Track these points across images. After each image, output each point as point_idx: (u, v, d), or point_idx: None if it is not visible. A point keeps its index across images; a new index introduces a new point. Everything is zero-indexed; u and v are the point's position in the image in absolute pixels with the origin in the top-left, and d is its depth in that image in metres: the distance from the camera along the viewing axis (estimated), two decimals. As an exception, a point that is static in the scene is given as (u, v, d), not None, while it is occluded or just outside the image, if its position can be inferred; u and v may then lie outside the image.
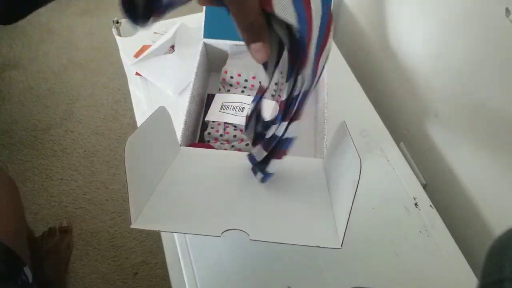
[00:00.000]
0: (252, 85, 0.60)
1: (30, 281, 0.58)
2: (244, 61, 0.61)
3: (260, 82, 0.59)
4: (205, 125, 0.62)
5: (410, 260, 0.51)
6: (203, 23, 0.61)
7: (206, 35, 0.61)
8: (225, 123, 0.56)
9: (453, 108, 0.55)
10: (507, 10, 0.40)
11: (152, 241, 1.06)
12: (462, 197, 0.56)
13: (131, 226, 0.33)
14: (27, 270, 0.58)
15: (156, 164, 0.42)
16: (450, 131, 0.57)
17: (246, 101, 0.58)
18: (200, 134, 0.61)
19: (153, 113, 0.40)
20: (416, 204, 0.55)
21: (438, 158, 0.60)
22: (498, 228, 0.51)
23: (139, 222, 0.34)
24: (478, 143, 0.51)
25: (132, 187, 0.33)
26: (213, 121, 0.57)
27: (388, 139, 0.62)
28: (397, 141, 0.63)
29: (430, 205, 0.55)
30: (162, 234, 0.54)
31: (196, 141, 0.61)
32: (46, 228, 1.05)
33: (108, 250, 1.05)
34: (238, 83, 0.60)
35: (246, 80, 0.60)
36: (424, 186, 0.63)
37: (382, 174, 0.58)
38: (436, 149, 0.61)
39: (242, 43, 0.60)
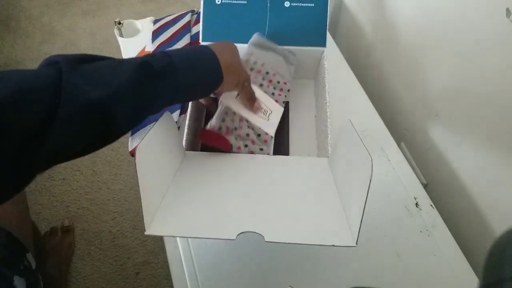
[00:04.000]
0: (270, 80, 0.58)
1: (33, 267, 0.58)
2: (268, 56, 0.59)
3: (278, 82, 0.59)
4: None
5: (410, 259, 0.51)
6: (201, 26, 0.61)
7: (204, 38, 0.61)
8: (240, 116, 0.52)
9: (453, 108, 0.55)
10: (507, 10, 0.40)
11: (153, 241, 1.06)
12: (462, 197, 0.56)
13: (146, 233, 0.34)
14: (29, 257, 0.58)
15: (164, 170, 0.42)
16: (450, 131, 0.57)
17: (265, 102, 0.55)
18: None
19: (159, 120, 0.40)
20: (416, 204, 0.55)
21: (438, 158, 0.61)
22: (499, 228, 0.51)
23: (153, 228, 0.34)
24: (478, 142, 0.52)
25: (144, 194, 0.33)
26: (231, 109, 0.52)
27: (388, 139, 0.62)
28: (397, 141, 0.63)
29: (431, 205, 0.55)
30: (164, 234, 0.54)
31: (199, 146, 0.60)
32: (48, 228, 1.06)
33: (109, 250, 1.05)
34: (259, 71, 0.57)
35: (267, 73, 0.58)
36: (425, 186, 0.63)
37: (383, 174, 0.58)
38: (436, 149, 0.61)
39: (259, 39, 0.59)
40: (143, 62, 0.35)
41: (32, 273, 0.56)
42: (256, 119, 0.53)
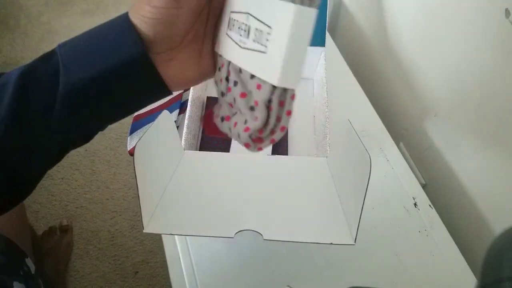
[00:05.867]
0: None
1: (33, 272, 0.58)
2: None
3: None
4: (205, 129, 0.61)
5: (409, 259, 0.51)
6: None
7: None
8: (229, 63, 0.27)
9: (452, 108, 0.55)
10: (506, 11, 0.40)
11: (152, 240, 1.06)
12: (461, 197, 0.56)
13: (144, 231, 0.34)
14: (29, 262, 0.58)
15: (163, 169, 0.42)
16: (449, 131, 0.57)
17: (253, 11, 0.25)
18: (201, 137, 0.61)
19: (157, 119, 0.40)
20: (415, 204, 0.55)
21: (437, 158, 0.61)
22: (497, 228, 0.51)
23: (151, 226, 0.35)
24: (477, 143, 0.52)
25: (143, 192, 0.33)
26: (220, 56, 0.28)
27: (387, 139, 0.62)
28: (396, 141, 0.63)
29: (430, 205, 0.55)
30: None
31: (198, 146, 0.60)
32: (47, 227, 1.06)
33: (108, 249, 1.05)
34: None
35: None
36: (424, 186, 0.63)
37: (382, 174, 0.58)
38: (435, 149, 0.61)
39: None
40: (22, 73, 0.26)
41: (32, 278, 0.56)
42: (246, 58, 0.25)
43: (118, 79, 0.26)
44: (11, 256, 0.56)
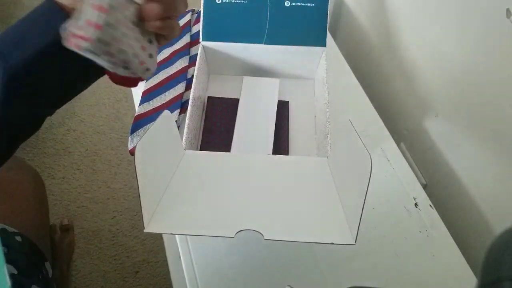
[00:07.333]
0: None
1: (50, 276, 0.58)
2: None
3: None
4: (206, 128, 0.61)
5: (409, 260, 0.51)
6: (201, 25, 0.61)
7: (204, 38, 0.61)
8: None
9: (453, 108, 0.55)
10: (507, 11, 0.40)
11: (153, 240, 1.06)
12: (462, 197, 0.56)
13: (145, 231, 0.34)
14: (47, 265, 0.58)
15: (163, 169, 0.42)
16: (450, 131, 0.57)
17: None
18: (201, 138, 0.61)
19: (158, 118, 0.40)
20: (416, 204, 0.56)
21: (438, 158, 0.61)
22: (498, 228, 0.51)
23: (152, 226, 0.35)
24: (478, 143, 0.52)
25: (144, 192, 0.33)
26: None
27: (388, 139, 0.62)
28: (397, 141, 0.63)
29: (430, 205, 0.55)
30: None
31: (198, 145, 0.60)
32: (48, 226, 1.06)
33: (109, 249, 1.05)
34: None
35: None
36: (424, 186, 0.63)
37: (383, 174, 0.58)
38: (436, 149, 0.61)
39: None
40: None
41: (49, 282, 0.56)
42: None
43: (54, 56, 0.27)
44: (33, 259, 0.56)
